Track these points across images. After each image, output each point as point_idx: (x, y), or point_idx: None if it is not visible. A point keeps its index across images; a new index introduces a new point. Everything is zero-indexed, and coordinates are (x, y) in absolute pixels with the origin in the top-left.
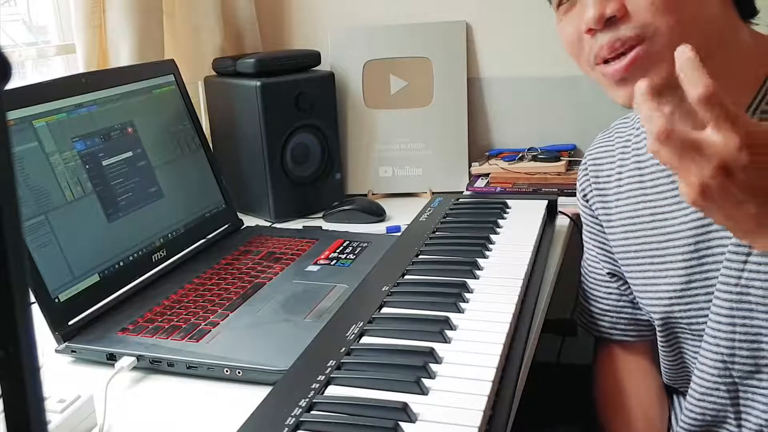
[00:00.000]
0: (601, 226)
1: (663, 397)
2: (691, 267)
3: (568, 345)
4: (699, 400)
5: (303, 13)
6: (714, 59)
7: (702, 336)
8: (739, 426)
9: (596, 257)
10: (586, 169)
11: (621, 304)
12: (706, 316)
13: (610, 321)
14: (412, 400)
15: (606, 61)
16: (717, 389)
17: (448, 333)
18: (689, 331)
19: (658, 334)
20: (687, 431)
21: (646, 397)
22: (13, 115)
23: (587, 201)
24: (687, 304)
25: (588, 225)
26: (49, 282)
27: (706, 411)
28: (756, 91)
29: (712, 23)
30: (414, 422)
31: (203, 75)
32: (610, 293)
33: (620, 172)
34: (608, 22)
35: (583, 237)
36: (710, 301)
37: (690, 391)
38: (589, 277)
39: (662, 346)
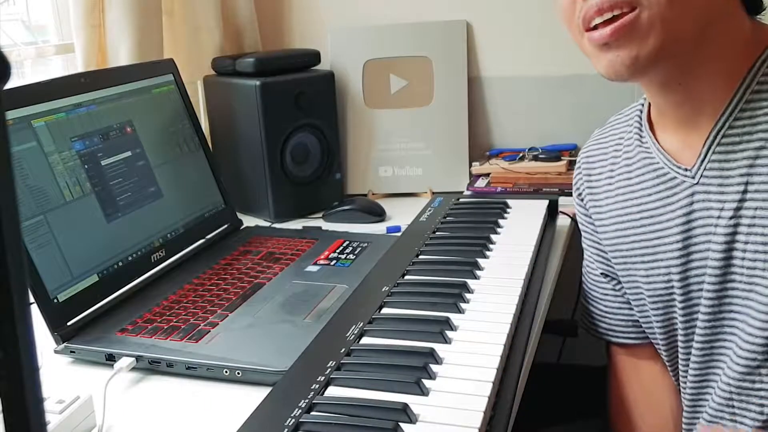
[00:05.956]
0: (594, 224)
1: (676, 406)
2: (684, 264)
3: (568, 345)
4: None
5: (303, 13)
6: (709, 44)
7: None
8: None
9: (591, 257)
10: (580, 167)
11: (617, 305)
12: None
13: (608, 323)
14: (413, 400)
15: (594, 28)
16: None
17: (449, 333)
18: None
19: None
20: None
21: (658, 411)
22: (12, 114)
23: (582, 199)
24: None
25: (583, 224)
26: (48, 282)
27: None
28: (743, 76)
29: (710, 7)
30: (414, 423)
31: (203, 74)
32: (606, 294)
33: (612, 170)
34: None
35: (582, 238)
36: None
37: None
38: (587, 277)
39: (658, 347)
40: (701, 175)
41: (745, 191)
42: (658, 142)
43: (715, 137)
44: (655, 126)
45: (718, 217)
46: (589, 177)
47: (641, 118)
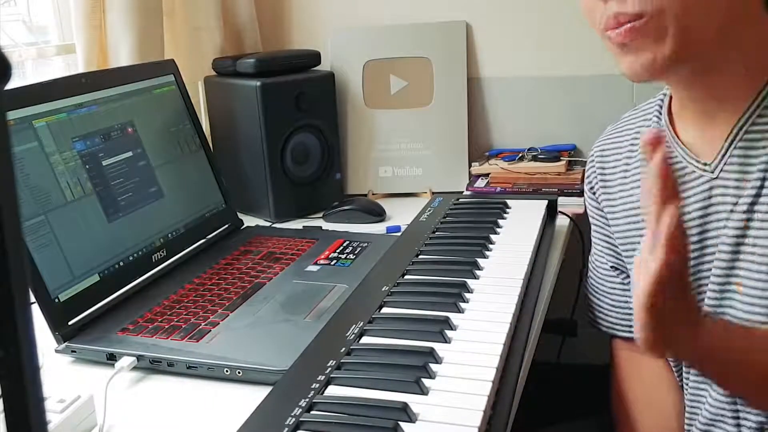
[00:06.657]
0: (606, 218)
1: (679, 404)
2: (697, 258)
3: (568, 345)
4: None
5: (303, 13)
6: (731, 45)
7: None
8: (738, 426)
9: (601, 251)
10: (593, 161)
11: (624, 299)
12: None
13: (615, 317)
14: (412, 400)
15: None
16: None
17: (448, 333)
18: None
19: None
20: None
21: (659, 409)
22: (13, 115)
23: (594, 193)
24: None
25: (594, 218)
26: (49, 282)
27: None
28: (762, 86)
29: (730, 10)
30: (414, 422)
31: (203, 75)
32: (614, 288)
33: (627, 163)
34: None
35: (591, 231)
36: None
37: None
38: (596, 272)
39: None
40: (721, 170)
41: (762, 186)
42: (678, 136)
43: (737, 133)
44: (676, 119)
45: (731, 211)
46: (603, 171)
47: (661, 112)
